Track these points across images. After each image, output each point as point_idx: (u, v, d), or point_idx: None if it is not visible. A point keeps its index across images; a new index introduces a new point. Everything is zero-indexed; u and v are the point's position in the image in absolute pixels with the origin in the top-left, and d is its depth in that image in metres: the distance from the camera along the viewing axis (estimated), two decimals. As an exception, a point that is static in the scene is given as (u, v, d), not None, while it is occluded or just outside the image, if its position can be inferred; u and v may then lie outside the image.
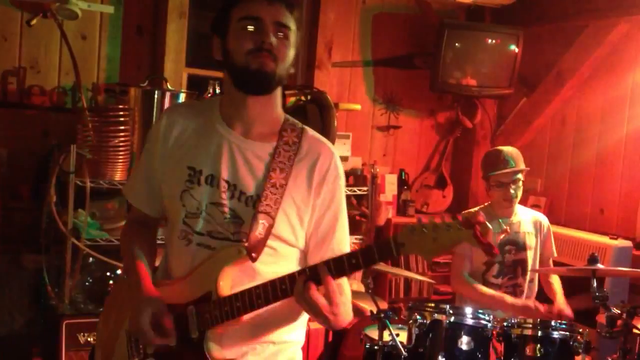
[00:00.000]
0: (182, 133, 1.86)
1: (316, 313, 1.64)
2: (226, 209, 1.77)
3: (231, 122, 1.82)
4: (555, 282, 3.66)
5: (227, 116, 1.84)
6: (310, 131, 1.89)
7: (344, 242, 1.86)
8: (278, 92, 1.85)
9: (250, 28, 1.73)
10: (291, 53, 1.78)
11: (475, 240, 1.53)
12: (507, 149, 3.63)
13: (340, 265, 1.63)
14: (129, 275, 1.90)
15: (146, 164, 1.93)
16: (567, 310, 3.49)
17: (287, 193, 1.77)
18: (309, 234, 1.83)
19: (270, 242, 1.75)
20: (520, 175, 3.54)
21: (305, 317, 1.87)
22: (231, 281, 1.74)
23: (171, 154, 1.86)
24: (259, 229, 1.73)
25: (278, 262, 1.79)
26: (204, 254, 1.78)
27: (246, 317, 1.72)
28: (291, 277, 1.67)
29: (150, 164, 1.91)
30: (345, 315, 1.70)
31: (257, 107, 1.81)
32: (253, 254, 1.72)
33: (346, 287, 1.79)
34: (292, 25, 1.76)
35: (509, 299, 3.49)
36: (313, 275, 1.64)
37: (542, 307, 3.51)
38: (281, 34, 1.74)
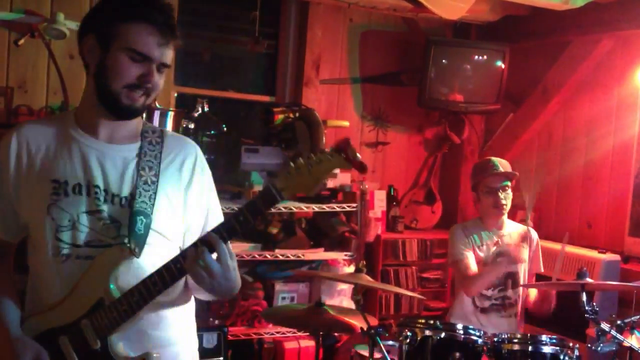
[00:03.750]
0: (37, 149, 1.84)
1: (211, 279, 1.68)
2: (103, 214, 1.78)
3: (93, 130, 1.84)
4: (532, 293, 3.68)
5: (87, 125, 1.85)
6: (169, 132, 1.97)
7: (217, 210, 1.96)
8: None
9: (136, 64, 1.75)
10: (162, 83, 1.83)
11: (347, 163, 1.63)
12: (496, 158, 3.68)
13: (230, 226, 1.70)
14: None
15: None
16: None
17: (159, 188, 1.82)
18: (187, 225, 1.89)
19: (150, 238, 1.79)
20: (508, 183, 3.56)
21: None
22: (119, 283, 1.76)
23: (28, 172, 1.83)
24: (138, 225, 1.77)
25: (159, 254, 1.80)
26: (85, 265, 1.77)
27: (146, 311, 1.76)
28: (183, 253, 1.72)
29: (2, 188, 1.86)
30: (237, 281, 1.79)
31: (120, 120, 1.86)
32: (136, 249, 1.75)
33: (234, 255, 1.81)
34: (170, 59, 1.81)
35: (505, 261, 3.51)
36: (204, 243, 1.69)
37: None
38: (162, 72, 1.80)
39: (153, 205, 1.80)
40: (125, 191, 1.80)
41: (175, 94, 4.34)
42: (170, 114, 3.72)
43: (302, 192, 1.67)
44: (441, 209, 5.18)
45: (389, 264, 4.76)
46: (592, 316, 2.94)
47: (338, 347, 3.92)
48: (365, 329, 2.87)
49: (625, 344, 2.91)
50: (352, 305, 3.87)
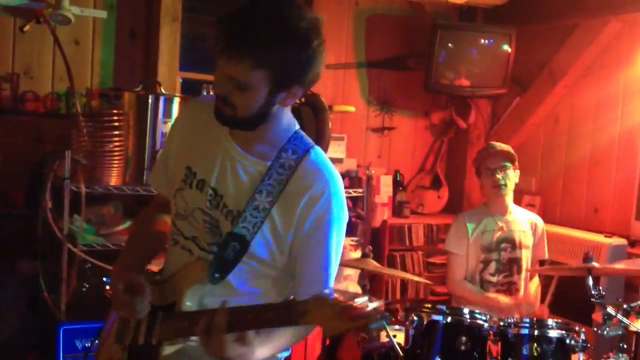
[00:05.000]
0: (193, 130, 1.84)
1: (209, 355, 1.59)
2: (207, 217, 1.74)
3: (234, 132, 1.75)
4: (533, 284, 3.68)
5: None
6: (314, 154, 1.75)
7: (320, 279, 1.73)
8: (277, 113, 1.73)
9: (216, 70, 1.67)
10: (254, 102, 1.64)
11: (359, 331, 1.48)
12: (497, 142, 3.70)
13: (243, 319, 1.55)
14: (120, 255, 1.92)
15: (165, 151, 1.95)
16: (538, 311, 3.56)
17: (268, 218, 1.69)
18: (292, 260, 1.74)
19: (246, 259, 1.70)
20: (508, 164, 3.56)
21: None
22: (200, 295, 1.72)
23: (180, 149, 1.85)
24: (228, 251, 1.68)
25: (254, 278, 1.75)
26: (186, 257, 1.77)
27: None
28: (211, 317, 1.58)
29: (167, 152, 1.92)
30: None
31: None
32: (216, 275, 1.68)
33: (270, 333, 1.66)
34: (257, 80, 1.60)
35: (503, 300, 3.50)
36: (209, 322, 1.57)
37: (537, 305, 3.54)
38: (237, 87, 1.62)
39: (255, 233, 1.68)
40: (234, 206, 1.71)
41: (180, 80, 4.34)
42: (176, 100, 3.73)
43: (321, 327, 1.50)
44: (447, 194, 5.18)
45: (395, 249, 4.77)
46: (598, 300, 2.95)
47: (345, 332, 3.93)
48: (371, 313, 2.88)
49: (632, 328, 2.92)
50: (359, 290, 3.88)
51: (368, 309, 1.42)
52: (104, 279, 3.60)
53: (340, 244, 1.76)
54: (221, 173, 1.74)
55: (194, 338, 1.67)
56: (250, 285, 1.74)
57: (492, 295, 3.50)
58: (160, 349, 1.74)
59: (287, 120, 1.77)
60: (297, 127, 1.80)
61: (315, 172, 1.72)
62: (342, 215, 1.74)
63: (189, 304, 1.71)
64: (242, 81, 1.61)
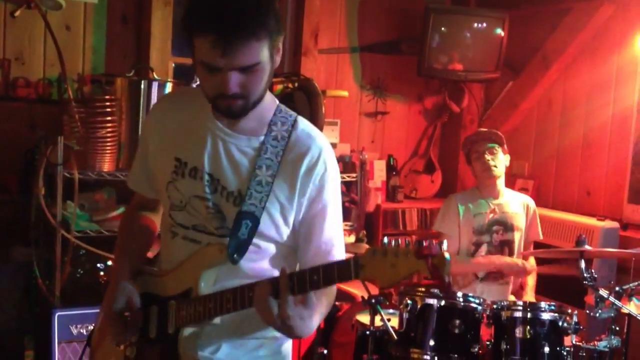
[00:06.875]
0: (173, 122, 1.82)
1: (271, 324, 1.59)
2: (209, 203, 1.74)
3: (218, 114, 1.74)
4: (531, 280, 3.70)
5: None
6: (302, 123, 1.79)
7: (334, 241, 1.79)
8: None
9: (212, 75, 1.61)
10: (265, 76, 1.65)
11: (429, 273, 1.44)
12: (483, 128, 3.74)
13: (302, 282, 1.55)
14: (113, 264, 1.94)
15: (141, 151, 1.93)
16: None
17: (272, 191, 1.70)
18: (296, 231, 1.77)
19: (254, 240, 1.71)
20: (495, 145, 3.56)
21: None
22: (215, 278, 1.73)
23: (162, 144, 1.83)
24: (242, 230, 1.68)
25: (263, 259, 1.77)
26: (190, 248, 1.76)
27: (224, 318, 1.69)
28: (253, 285, 1.62)
29: (144, 152, 1.91)
30: (302, 330, 1.61)
31: None
32: (235, 256, 1.69)
33: (317, 299, 1.65)
34: (262, 54, 1.59)
35: (496, 259, 3.53)
36: (273, 285, 1.58)
37: (528, 265, 3.58)
38: (248, 74, 1.60)
39: (263, 208, 1.69)
40: (234, 187, 1.72)
41: (173, 65, 4.32)
42: (169, 85, 3.71)
43: (377, 280, 1.47)
44: (441, 179, 5.19)
45: (389, 233, 4.77)
46: (591, 283, 2.97)
47: (339, 316, 3.94)
48: (366, 297, 2.90)
49: (624, 310, 2.94)
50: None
51: (435, 247, 1.44)
52: (98, 265, 3.60)
53: (340, 200, 1.82)
54: (214, 157, 1.74)
55: (217, 320, 1.69)
56: (261, 266, 1.74)
57: (483, 259, 3.54)
58: (179, 336, 1.75)
59: (268, 94, 1.78)
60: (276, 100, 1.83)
61: (308, 138, 1.76)
62: (338, 175, 1.81)
63: (205, 288, 1.71)
64: (251, 63, 1.59)
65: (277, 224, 1.74)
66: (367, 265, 1.48)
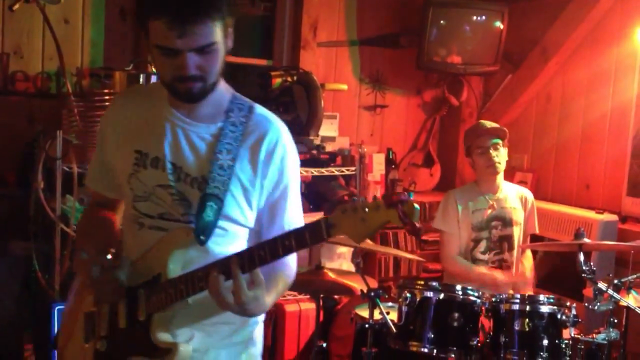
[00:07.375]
0: (131, 116, 1.85)
1: (222, 305, 1.63)
2: (173, 191, 1.76)
3: (176, 103, 1.78)
4: (527, 261, 3.70)
5: (172, 97, 1.79)
6: (259, 109, 1.84)
7: (296, 219, 1.85)
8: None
9: (169, 58, 1.65)
10: (220, 57, 1.70)
11: (400, 220, 1.47)
12: (485, 121, 3.71)
13: (274, 250, 1.60)
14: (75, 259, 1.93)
15: (99, 149, 1.95)
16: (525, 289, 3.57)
17: (234, 174, 1.75)
18: (259, 213, 1.82)
19: (220, 222, 1.75)
20: (499, 141, 3.56)
21: None
22: (183, 262, 1.75)
23: (121, 138, 1.86)
24: (207, 212, 1.72)
25: (231, 243, 1.79)
26: (158, 236, 1.78)
27: (195, 298, 1.71)
28: (205, 269, 1.66)
29: (102, 149, 1.93)
30: (258, 309, 1.67)
31: None
32: (202, 237, 1.72)
33: (273, 279, 1.75)
34: (217, 35, 1.65)
35: (499, 276, 3.52)
36: (223, 269, 1.62)
37: (528, 273, 3.59)
38: (204, 55, 1.65)
39: (226, 191, 1.73)
40: (197, 173, 1.76)
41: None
42: (167, 79, 3.70)
43: (349, 236, 1.50)
44: (439, 172, 5.19)
45: (387, 226, 4.76)
46: (590, 276, 2.97)
47: (338, 310, 3.95)
48: (365, 291, 2.90)
49: (622, 303, 2.95)
50: (352, 268, 3.90)
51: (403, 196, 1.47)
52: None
53: (299, 181, 1.88)
54: (175, 145, 1.78)
55: (190, 300, 1.71)
56: (229, 250, 1.75)
57: (487, 271, 3.52)
58: (151, 321, 1.76)
59: (223, 82, 1.82)
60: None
61: (266, 122, 1.82)
62: (297, 156, 1.87)
63: (174, 270, 1.73)
64: (207, 43, 1.64)
65: (241, 206, 1.78)
66: (338, 224, 1.52)
